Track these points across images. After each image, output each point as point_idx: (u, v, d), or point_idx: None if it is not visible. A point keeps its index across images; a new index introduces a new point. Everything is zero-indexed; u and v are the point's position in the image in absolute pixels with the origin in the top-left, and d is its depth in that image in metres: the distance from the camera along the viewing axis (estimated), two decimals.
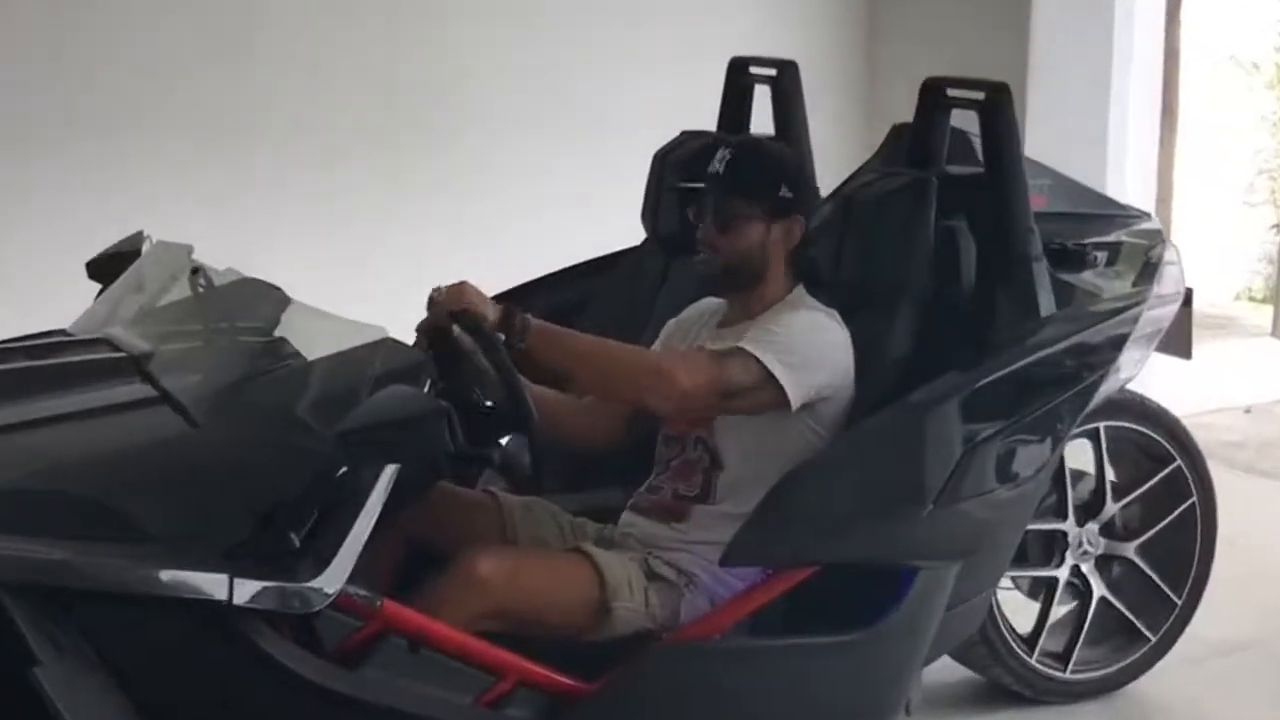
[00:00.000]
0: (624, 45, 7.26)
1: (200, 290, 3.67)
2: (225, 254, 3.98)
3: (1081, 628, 4.56)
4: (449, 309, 3.30)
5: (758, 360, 3.51)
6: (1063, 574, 4.48)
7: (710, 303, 3.95)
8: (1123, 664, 4.63)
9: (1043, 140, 6.08)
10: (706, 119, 4.87)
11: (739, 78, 4.70)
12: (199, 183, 6.49)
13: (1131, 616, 4.61)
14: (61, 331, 3.82)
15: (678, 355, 3.68)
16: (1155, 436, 4.60)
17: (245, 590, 2.92)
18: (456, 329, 3.40)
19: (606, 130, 7.12)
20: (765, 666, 3.58)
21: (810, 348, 3.60)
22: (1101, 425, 4.52)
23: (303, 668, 3.05)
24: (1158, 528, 4.64)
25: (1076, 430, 4.27)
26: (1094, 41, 6.99)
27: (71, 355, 3.53)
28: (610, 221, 5.55)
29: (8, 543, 2.79)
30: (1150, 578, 4.63)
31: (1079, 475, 4.55)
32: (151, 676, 2.96)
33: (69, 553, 2.83)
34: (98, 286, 4.02)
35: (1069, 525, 4.48)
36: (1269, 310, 10.61)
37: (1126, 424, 4.56)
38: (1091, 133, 6.99)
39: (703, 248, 3.72)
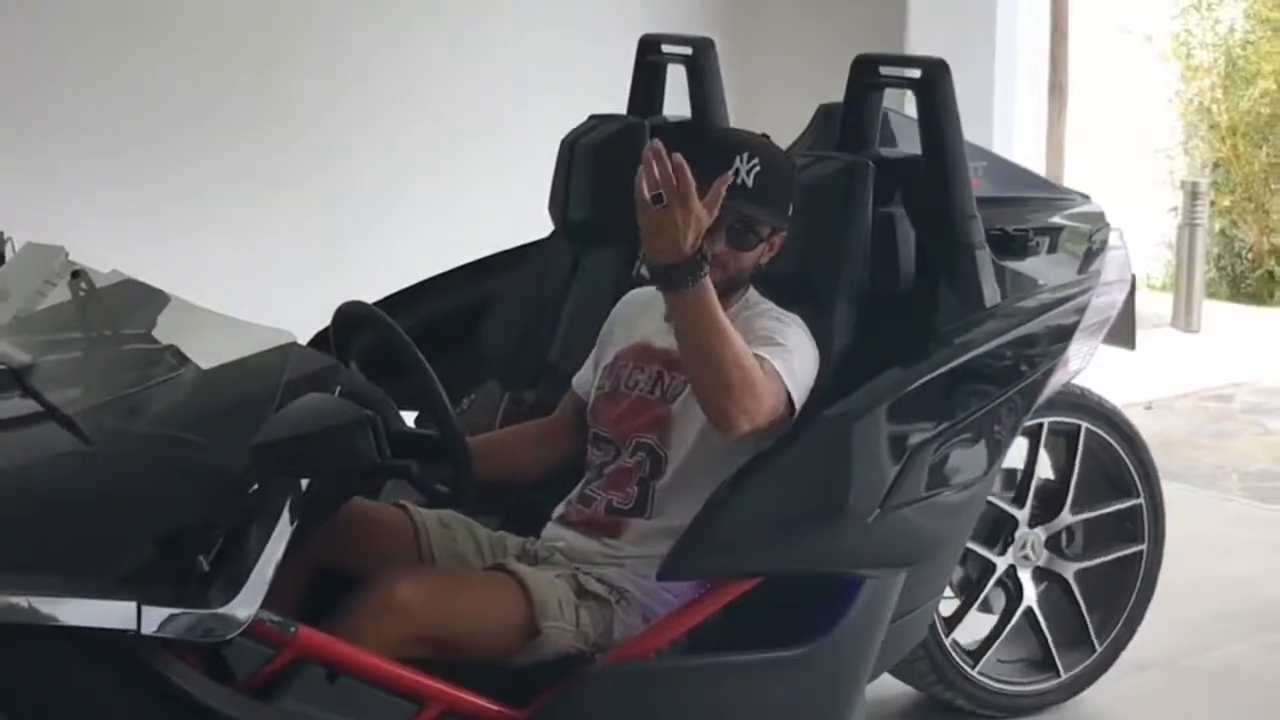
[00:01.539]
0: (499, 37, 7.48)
1: (82, 294, 3.61)
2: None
3: (1003, 629, 4.61)
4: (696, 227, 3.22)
5: (782, 379, 3.58)
6: (1002, 563, 4.54)
7: (642, 296, 3.99)
8: (1027, 688, 4.70)
9: None
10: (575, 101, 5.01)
11: (650, 56, 4.76)
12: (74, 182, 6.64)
13: (1050, 643, 4.67)
14: None
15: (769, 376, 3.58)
16: (1121, 455, 4.71)
17: (153, 618, 2.92)
18: None
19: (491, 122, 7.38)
20: (705, 686, 3.65)
21: (807, 362, 3.70)
22: (1046, 421, 4.59)
23: (215, 700, 3.07)
24: (1101, 560, 4.74)
25: (1028, 424, 4.36)
26: (976, 15, 7.19)
27: None
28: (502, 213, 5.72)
29: None
30: (1080, 610, 4.71)
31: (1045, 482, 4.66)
32: (53, 715, 3.00)
33: None
34: None
35: (1022, 517, 4.57)
36: (1169, 299, 10.66)
37: (1095, 428, 4.66)
38: (975, 110, 6.99)
39: (713, 260, 3.61)
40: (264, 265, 6.74)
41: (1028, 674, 4.67)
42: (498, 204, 7.02)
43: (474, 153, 7.36)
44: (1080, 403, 4.72)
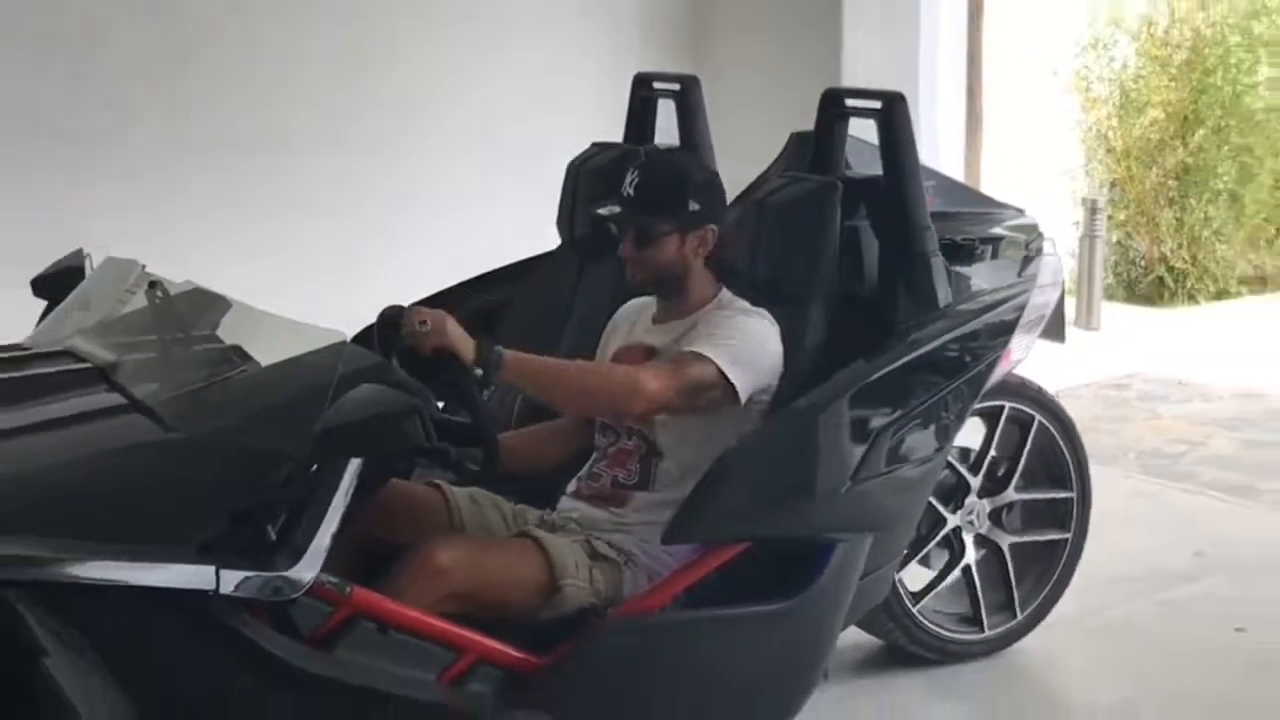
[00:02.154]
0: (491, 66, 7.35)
1: (158, 301, 3.60)
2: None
3: (943, 579, 4.60)
4: (433, 343, 3.32)
5: (713, 363, 3.63)
6: (952, 521, 4.53)
7: (639, 302, 4.04)
8: (956, 637, 4.62)
9: None
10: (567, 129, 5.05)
11: (643, 92, 4.75)
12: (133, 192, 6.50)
13: (980, 602, 4.63)
14: (16, 346, 3.79)
15: (641, 367, 3.73)
16: (1028, 412, 4.64)
17: (229, 580, 2.97)
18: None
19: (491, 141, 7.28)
20: (701, 637, 3.65)
21: (756, 350, 3.73)
22: (1007, 405, 4.58)
23: (282, 651, 3.09)
24: (1033, 538, 4.73)
25: (989, 407, 4.43)
26: (904, 50, 7.12)
27: (37, 368, 3.51)
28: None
29: (11, 545, 2.81)
30: (1009, 578, 4.68)
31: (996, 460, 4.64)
32: (143, 665, 2.96)
33: (67, 552, 2.85)
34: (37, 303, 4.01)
35: (974, 486, 4.56)
36: (1072, 301, 10.38)
37: (1043, 420, 4.65)
38: None
39: (626, 263, 3.82)
40: (295, 271, 6.57)
41: (958, 626, 4.62)
42: (498, 217, 6.93)
43: (477, 172, 7.29)
44: (1037, 397, 4.71)
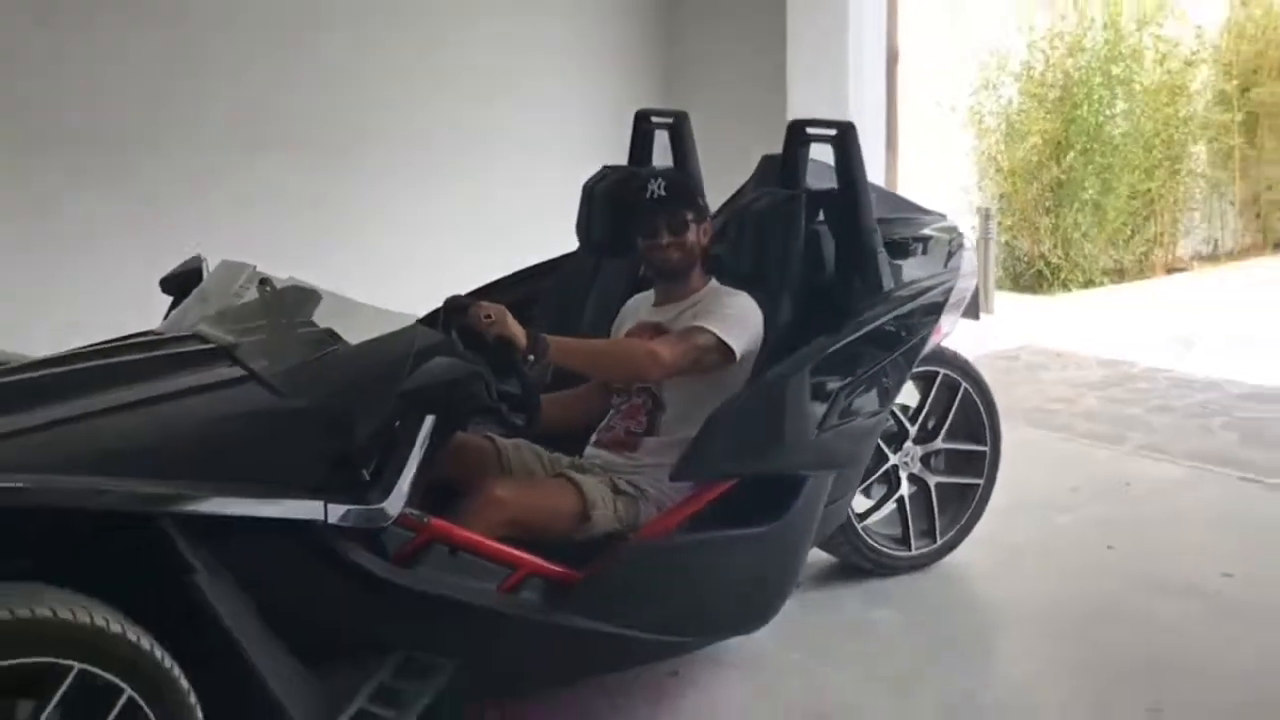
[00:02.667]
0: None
1: (267, 295, 3.69)
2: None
3: (880, 506, 4.61)
4: (495, 332, 3.35)
5: (713, 332, 3.72)
6: (892, 458, 4.55)
7: (641, 296, 4.12)
8: (891, 554, 4.62)
9: None
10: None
11: (642, 124, 4.75)
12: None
13: (910, 527, 4.63)
14: (153, 332, 3.79)
15: (656, 340, 3.78)
16: (928, 366, 4.55)
17: (335, 513, 3.01)
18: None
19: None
20: (702, 554, 3.69)
21: (743, 318, 3.81)
22: (942, 372, 4.61)
23: (376, 569, 3.14)
24: (952, 480, 4.73)
25: (926, 372, 4.46)
26: (834, 90, 7.08)
27: (173, 349, 3.51)
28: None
29: (165, 486, 2.83)
30: (933, 510, 4.68)
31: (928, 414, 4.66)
32: (266, 579, 3.00)
33: (207, 491, 2.88)
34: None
35: (911, 434, 4.59)
36: None
37: (942, 369, 4.63)
38: None
39: (656, 250, 3.89)
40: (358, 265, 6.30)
41: (892, 545, 4.63)
42: (514, 224, 6.83)
43: (479, 188, 7.12)
44: (964, 367, 4.71)
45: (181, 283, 3.99)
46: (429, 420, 3.22)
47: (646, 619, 3.56)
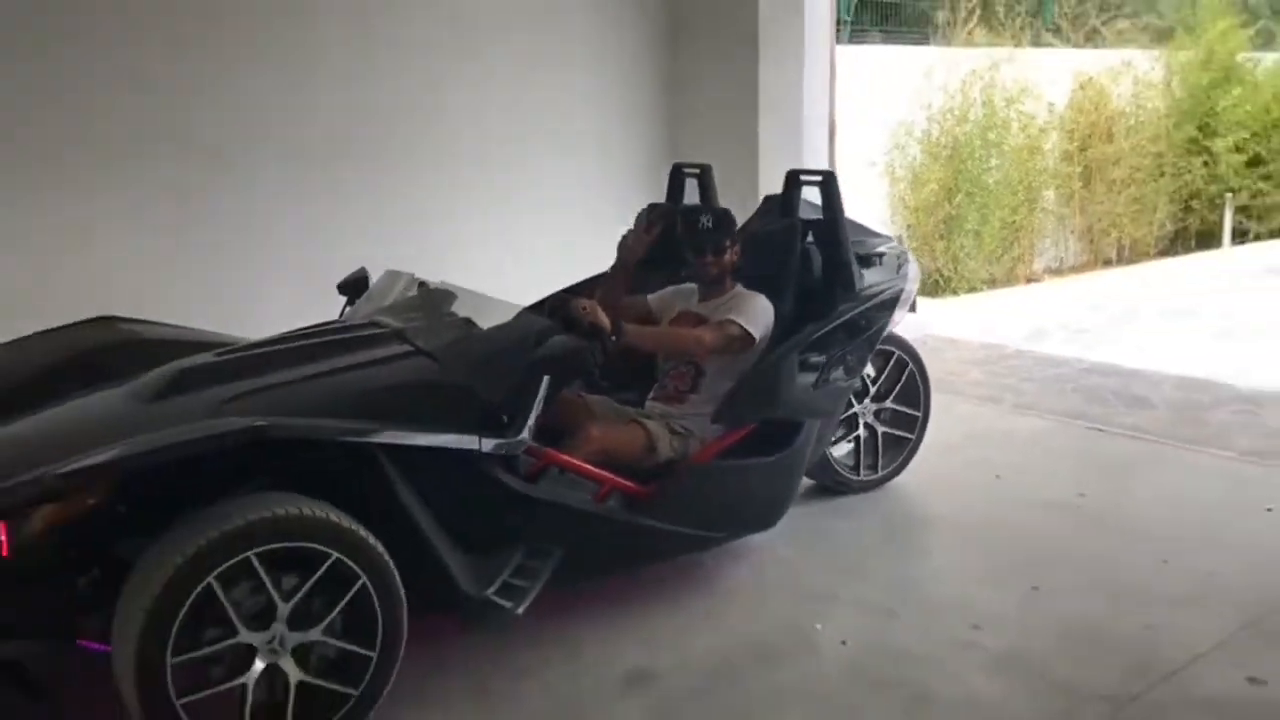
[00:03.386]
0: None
1: (424, 293, 3.83)
2: None
3: (878, 448, 4.65)
4: (589, 319, 3.43)
5: (740, 324, 3.81)
6: (857, 409, 4.55)
7: (686, 287, 4.16)
8: (848, 479, 4.61)
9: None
10: None
11: (677, 173, 4.74)
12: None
13: (861, 460, 4.62)
14: (338, 320, 3.90)
15: (702, 329, 3.84)
16: (889, 347, 4.59)
17: (487, 444, 3.13)
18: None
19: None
20: (734, 476, 3.79)
21: (761, 313, 3.89)
22: (897, 353, 4.64)
23: (512, 483, 3.27)
24: (893, 432, 4.71)
25: (882, 350, 4.49)
26: (790, 149, 6.87)
27: (357, 333, 3.59)
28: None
29: (370, 425, 2.96)
30: (877, 450, 4.66)
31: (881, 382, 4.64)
32: (443, 490, 3.11)
33: (403, 430, 3.00)
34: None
35: (870, 395, 4.60)
36: None
37: (896, 350, 4.65)
38: None
39: (704, 265, 3.96)
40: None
41: (849, 472, 4.62)
42: (544, 248, 6.24)
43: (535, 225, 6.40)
44: (913, 352, 4.72)
45: (351, 287, 4.09)
46: (545, 380, 3.34)
47: (694, 520, 3.67)
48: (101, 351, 3.55)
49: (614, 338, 3.52)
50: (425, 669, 3.31)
